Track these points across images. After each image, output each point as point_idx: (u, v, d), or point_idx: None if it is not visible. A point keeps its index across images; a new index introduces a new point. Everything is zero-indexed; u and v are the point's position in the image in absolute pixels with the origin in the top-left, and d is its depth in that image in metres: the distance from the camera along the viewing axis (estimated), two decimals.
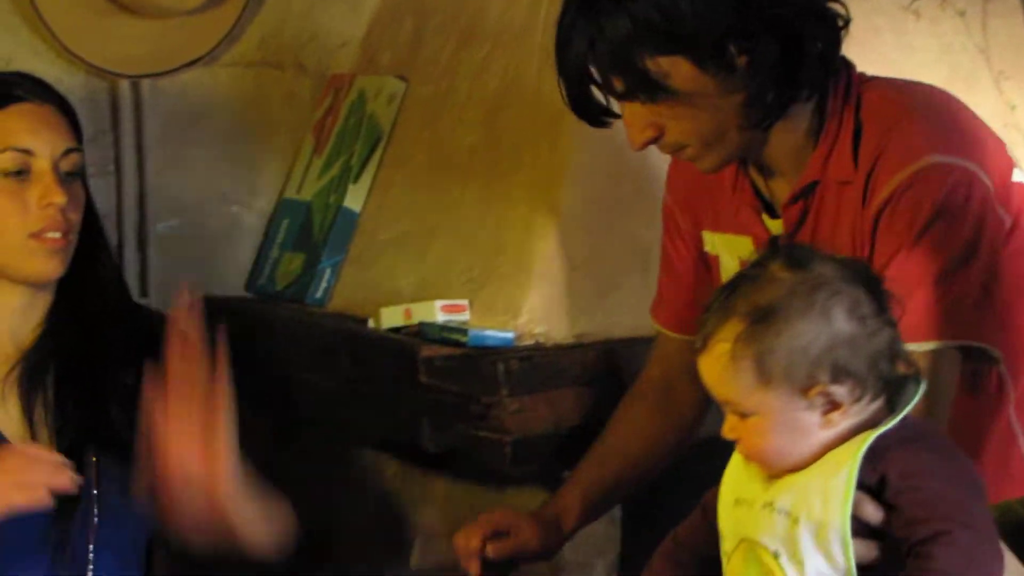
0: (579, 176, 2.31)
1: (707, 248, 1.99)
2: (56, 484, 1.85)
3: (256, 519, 2.00)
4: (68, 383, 2.02)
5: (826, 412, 1.48)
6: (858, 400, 1.49)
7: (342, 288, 2.56)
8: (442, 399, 2.21)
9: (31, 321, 2.05)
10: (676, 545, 1.65)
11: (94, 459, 2.01)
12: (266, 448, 2.56)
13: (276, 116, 2.76)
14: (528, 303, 2.26)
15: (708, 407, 2.08)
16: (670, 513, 2.05)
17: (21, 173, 1.97)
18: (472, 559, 1.96)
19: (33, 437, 2.00)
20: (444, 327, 2.27)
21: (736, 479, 1.57)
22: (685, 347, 2.04)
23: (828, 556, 1.46)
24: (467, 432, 2.18)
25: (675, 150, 1.77)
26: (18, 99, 2.01)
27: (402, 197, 2.54)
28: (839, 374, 1.47)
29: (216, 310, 2.62)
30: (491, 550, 1.96)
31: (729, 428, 1.53)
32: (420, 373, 2.23)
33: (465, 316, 2.31)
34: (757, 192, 1.87)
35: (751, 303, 1.49)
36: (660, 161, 2.32)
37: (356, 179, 2.61)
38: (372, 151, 2.61)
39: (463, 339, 2.23)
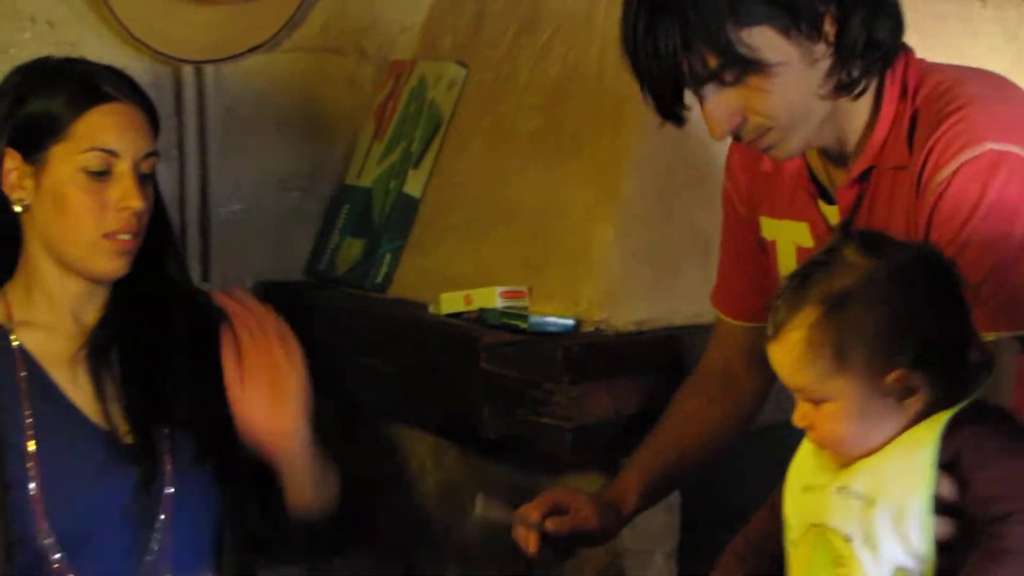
0: (640, 163, 2.30)
1: (764, 234, 1.98)
2: None
3: (311, 481, 2.06)
4: (132, 364, 2.05)
5: (902, 398, 1.48)
6: (933, 386, 1.48)
7: (402, 274, 2.57)
8: (502, 385, 2.21)
9: (94, 305, 2.08)
10: (747, 545, 1.64)
11: (167, 432, 2.04)
12: (327, 433, 2.59)
13: (337, 102, 2.77)
14: (588, 290, 2.26)
15: (767, 395, 2.09)
16: (730, 504, 2.06)
17: (103, 173, 1.99)
18: (532, 533, 1.96)
19: (106, 413, 2.03)
20: (504, 313, 2.27)
21: (804, 466, 1.56)
22: (745, 334, 2.06)
23: (904, 539, 1.45)
24: (527, 418, 2.18)
25: (759, 135, 1.75)
26: (108, 98, 2.01)
27: (462, 183, 2.55)
28: (917, 360, 1.47)
29: (276, 295, 2.68)
30: (550, 525, 1.95)
31: (801, 416, 1.52)
32: (481, 359, 2.23)
33: (525, 302, 2.31)
34: (814, 178, 1.87)
35: (826, 289, 1.48)
36: (721, 149, 2.31)
37: (416, 165, 2.62)
38: (432, 137, 2.61)
39: (523, 325, 2.23)
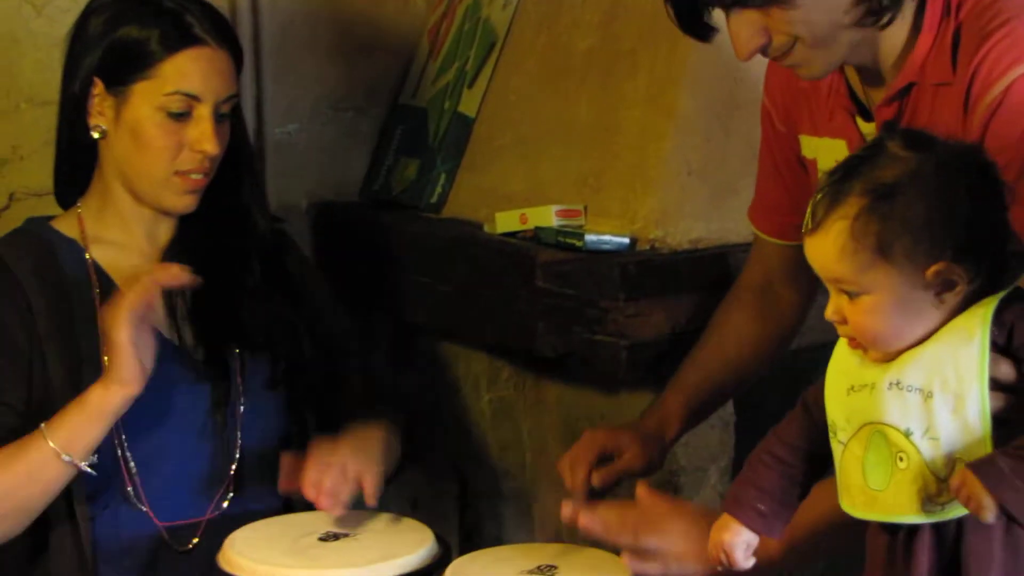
0: (696, 80, 2.28)
1: (804, 152, 1.96)
2: (158, 278, 1.91)
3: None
4: (203, 284, 2.05)
5: (940, 292, 1.47)
6: (972, 280, 1.48)
7: (457, 194, 2.57)
8: (558, 303, 2.21)
9: (167, 225, 2.11)
10: (778, 443, 1.63)
11: (237, 352, 2.07)
12: (383, 352, 2.62)
13: (391, 21, 2.76)
14: (644, 208, 2.25)
15: (807, 311, 2.08)
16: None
17: (183, 115, 1.99)
18: (579, 491, 1.94)
19: (179, 333, 2.06)
20: (560, 232, 2.27)
21: (845, 367, 1.55)
22: (783, 252, 2.05)
23: (964, 426, 1.45)
24: (583, 336, 2.17)
25: (783, 55, 1.74)
26: (198, 41, 2.00)
27: (517, 102, 2.53)
28: (959, 253, 1.46)
29: (331, 216, 2.69)
30: (596, 480, 1.94)
31: (834, 310, 1.52)
32: (537, 277, 2.23)
33: (580, 221, 2.30)
34: (852, 95, 1.85)
35: (872, 180, 1.48)
36: None
37: (471, 84, 2.61)
38: (487, 56, 2.60)
39: (579, 244, 2.22)
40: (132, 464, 2.00)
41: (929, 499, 1.47)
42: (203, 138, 1.99)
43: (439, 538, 1.87)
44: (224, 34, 2.04)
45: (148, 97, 1.98)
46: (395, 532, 1.88)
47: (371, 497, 1.91)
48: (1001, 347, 1.47)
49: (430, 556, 1.82)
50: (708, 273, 2.21)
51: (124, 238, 2.07)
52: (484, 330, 2.39)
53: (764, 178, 2.08)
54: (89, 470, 1.91)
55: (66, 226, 2.08)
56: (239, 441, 2.08)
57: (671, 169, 2.26)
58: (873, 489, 1.51)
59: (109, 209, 2.06)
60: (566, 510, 1.82)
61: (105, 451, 1.96)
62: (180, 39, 1.99)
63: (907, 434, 1.48)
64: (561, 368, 2.39)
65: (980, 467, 1.41)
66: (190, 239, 2.08)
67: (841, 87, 1.85)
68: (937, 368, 1.47)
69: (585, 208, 2.31)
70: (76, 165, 2.06)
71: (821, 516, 1.66)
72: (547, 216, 2.31)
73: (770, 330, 2.09)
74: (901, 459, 1.48)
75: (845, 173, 1.51)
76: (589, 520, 1.80)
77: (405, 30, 2.76)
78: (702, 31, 1.78)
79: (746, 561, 1.61)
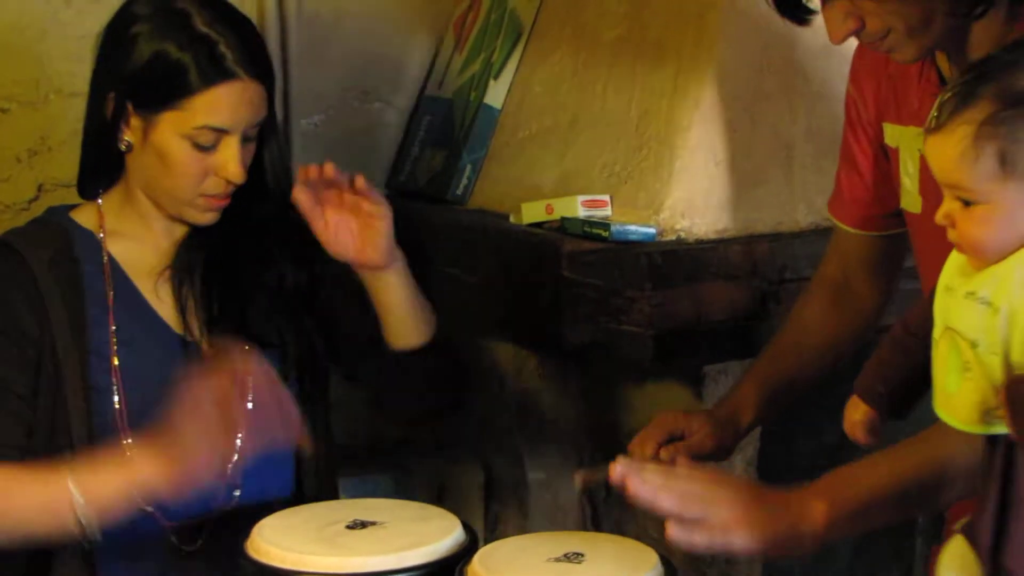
0: (723, 70, 2.27)
1: (887, 140, 1.94)
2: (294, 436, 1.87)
3: (408, 314, 2.08)
4: (214, 281, 2.06)
5: None
6: None
7: (483, 184, 2.56)
8: (584, 293, 2.21)
9: (183, 224, 2.09)
10: (904, 331, 1.61)
11: (246, 348, 2.04)
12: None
13: (418, 13, 2.76)
14: (670, 198, 2.25)
15: (886, 304, 2.06)
16: (810, 413, 2.05)
17: (211, 147, 1.98)
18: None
19: (186, 327, 2.05)
20: (586, 222, 2.26)
21: (952, 264, 1.52)
22: (863, 243, 2.03)
23: None
24: (609, 326, 2.17)
25: (877, 39, 1.72)
26: (229, 75, 1.96)
27: (543, 93, 2.53)
28: None
29: None
30: (665, 455, 1.92)
31: (945, 214, 1.48)
32: (563, 267, 2.23)
33: (607, 211, 2.30)
34: (943, 82, 1.81)
35: (1005, 86, 1.43)
36: (806, 57, 2.29)
37: (497, 75, 2.60)
38: (513, 47, 2.59)
39: (605, 234, 2.22)
40: None
41: (988, 412, 1.44)
42: (229, 167, 1.98)
43: (466, 526, 1.85)
44: (257, 65, 2.00)
45: (176, 126, 1.96)
46: (422, 520, 1.87)
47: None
48: None
49: (457, 544, 1.80)
50: (734, 263, 2.20)
51: (141, 233, 2.06)
52: (510, 321, 2.39)
53: (845, 167, 2.05)
54: (89, 540, 1.84)
55: (85, 217, 2.08)
56: (241, 439, 1.98)
57: (697, 159, 2.25)
58: (948, 392, 1.49)
59: (129, 206, 2.06)
60: (615, 472, 1.81)
61: (110, 443, 1.95)
62: (213, 73, 1.95)
63: (973, 345, 1.45)
64: (587, 358, 2.39)
65: (1010, 388, 1.39)
66: (205, 233, 2.07)
67: (932, 74, 1.83)
68: (1007, 284, 1.43)
69: (611, 198, 2.31)
70: (102, 165, 2.05)
71: (874, 485, 1.65)
72: (573, 206, 2.30)
73: (847, 322, 2.06)
74: (968, 368, 1.46)
75: (979, 75, 1.45)
76: (637, 484, 1.79)
77: (431, 21, 2.76)
78: (799, 14, 1.76)
79: (870, 438, 1.63)
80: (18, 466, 1.89)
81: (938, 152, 1.46)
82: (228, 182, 1.99)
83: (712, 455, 1.98)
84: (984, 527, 1.49)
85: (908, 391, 1.60)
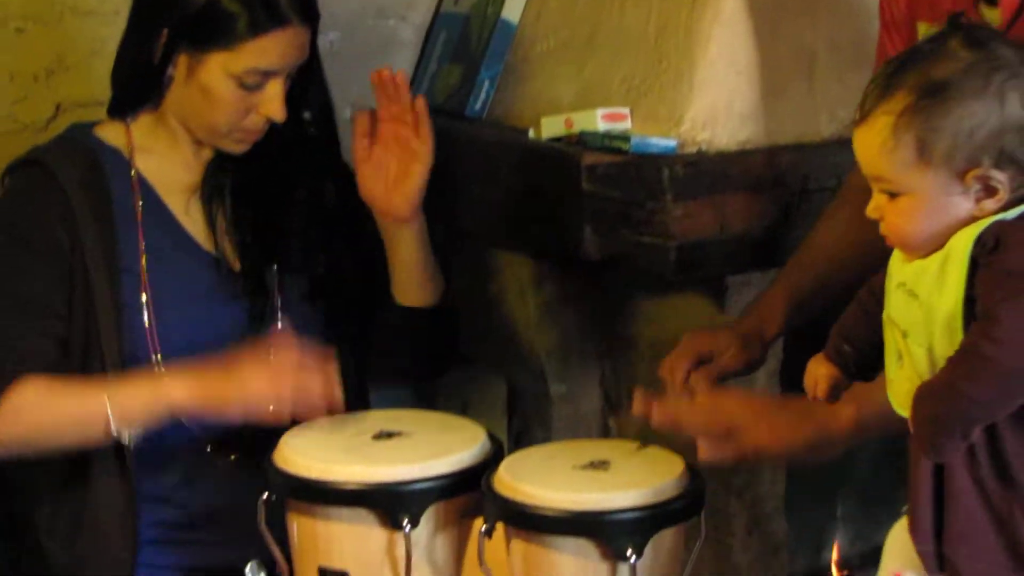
0: None
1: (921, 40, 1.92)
2: (330, 400, 1.89)
3: (419, 274, 2.13)
4: (245, 201, 2.08)
5: (980, 199, 1.44)
6: (1016, 189, 1.44)
7: (501, 100, 2.54)
8: (605, 207, 2.20)
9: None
10: (869, 294, 1.61)
11: (275, 269, 2.08)
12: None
13: None
14: (691, 110, 2.23)
15: None
16: (831, 323, 2.04)
17: (256, 86, 1.99)
18: (680, 390, 1.93)
19: (217, 247, 2.06)
20: (606, 135, 2.25)
21: (896, 252, 1.53)
22: None
23: (951, 336, 1.43)
24: (630, 238, 2.17)
25: None
26: (282, 22, 1.98)
27: (560, 6, 2.50)
28: (1003, 160, 1.42)
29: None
30: (695, 380, 1.92)
31: (874, 207, 1.49)
32: (583, 181, 2.22)
33: (626, 124, 2.28)
34: None
35: (923, 76, 1.44)
36: None
37: None
38: None
39: (625, 147, 2.20)
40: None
41: None
42: (272, 107, 2.00)
43: (491, 436, 1.87)
44: (308, 9, 2.03)
45: (224, 67, 1.97)
46: (448, 430, 1.88)
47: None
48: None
49: (483, 453, 1.82)
50: (756, 174, 2.19)
51: (170, 152, 2.07)
52: (530, 235, 2.39)
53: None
54: (126, 442, 1.92)
55: (111, 134, 2.08)
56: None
57: (718, 70, 2.23)
58: (889, 377, 1.51)
59: (161, 126, 2.07)
60: (638, 404, 1.82)
61: (141, 363, 1.97)
62: (267, 20, 1.97)
63: (904, 335, 1.48)
64: (608, 272, 2.38)
65: (914, 401, 1.43)
66: (235, 157, 2.07)
67: None
68: (926, 275, 1.45)
69: (631, 111, 2.28)
70: (140, 92, 2.06)
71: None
72: (592, 120, 2.29)
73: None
74: (901, 357, 1.48)
75: (900, 65, 1.47)
76: (661, 413, 1.80)
77: None
78: None
79: (831, 397, 1.61)
80: (55, 379, 1.93)
81: (862, 144, 1.48)
82: (268, 119, 2.00)
83: (743, 371, 1.98)
84: (922, 516, 1.51)
85: (873, 354, 1.59)
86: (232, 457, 2.04)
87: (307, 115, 2.10)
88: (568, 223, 2.27)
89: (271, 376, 1.86)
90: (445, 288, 2.19)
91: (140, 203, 2.03)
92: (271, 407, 1.86)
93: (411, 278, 2.13)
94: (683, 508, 1.69)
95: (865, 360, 1.60)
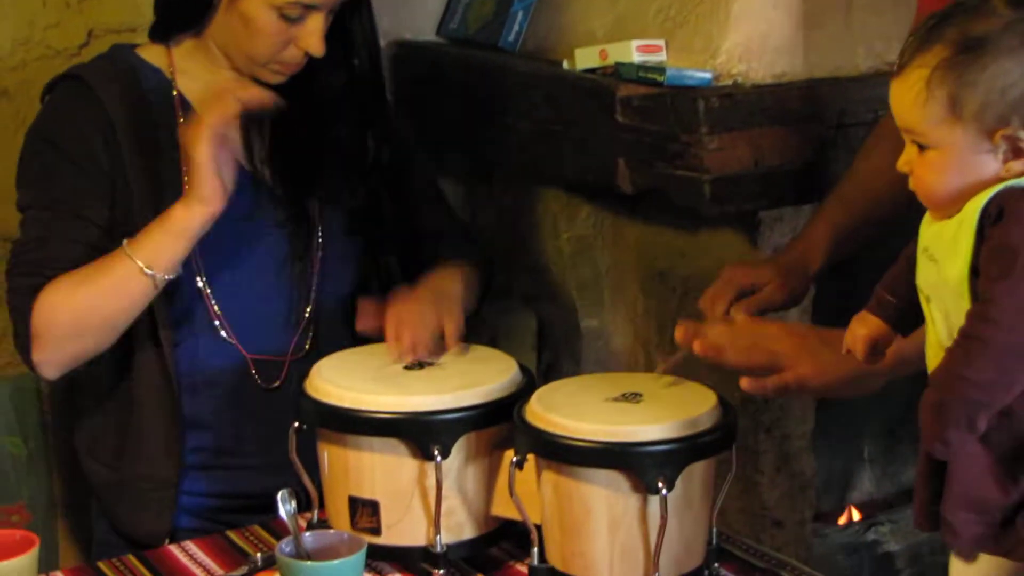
0: None
1: None
2: (240, 96, 1.90)
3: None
4: (284, 129, 2.07)
5: (1007, 160, 1.44)
6: None
7: (534, 31, 2.53)
8: (639, 139, 2.19)
9: None
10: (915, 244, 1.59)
11: (316, 199, 2.09)
12: (461, 191, 2.61)
13: None
14: (727, 42, 2.20)
15: None
16: (866, 261, 2.03)
17: (297, 19, 1.98)
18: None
19: (257, 172, 2.07)
20: (641, 67, 2.23)
21: (926, 215, 1.52)
22: None
23: (961, 308, 1.43)
24: (664, 171, 2.15)
25: None
26: None
27: None
28: None
29: (409, 55, 2.67)
30: (735, 312, 1.91)
31: (905, 160, 1.49)
32: (617, 113, 2.21)
33: (662, 56, 2.26)
34: None
35: (962, 31, 1.43)
36: None
37: None
38: None
39: (660, 79, 2.18)
40: (211, 292, 2.02)
41: None
42: (311, 41, 1.98)
43: (523, 368, 1.87)
44: None
45: None
46: (479, 361, 1.88)
47: (452, 341, 1.92)
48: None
49: (514, 384, 1.82)
50: (793, 108, 2.17)
51: (210, 75, 2.06)
52: (563, 168, 2.37)
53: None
54: (169, 278, 1.93)
55: (153, 56, 2.08)
56: (316, 286, 2.09)
57: (754, 3, 2.21)
58: (927, 340, 1.51)
59: (202, 51, 2.06)
60: (680, 332, 1.81)
61: (186, 280, 1.98)
62: None
63: (928, 300, 1.48)
64: (641, 205, 2.37)
65: (922, 400, 1.42)
66: (275, 85, 2.06)
67: None
68: (943, 240, 1.45)
69: (666, 43, 2.27)
70: (183, 17, 2.05)
71: None
72: (627, 52, 2.27)
73: None
74: (928, 323, 1.49)
75: (941, 19, 1.46)
76: (704, 343, 1.79)
77: None
78: None
79: (870, 358, 1.60)
80: (74, 271, 1.94)
81: (896, 96, 1.47)
82: (307, 53, 2.00)
83: (784, 304, 1.97)
84: (921, 482, 1.51)
85: (916, 308, 1.57)
86: (277, 383, 2.06)
87: (355, 61, 2.08)
88: (602, 156, 2.25)
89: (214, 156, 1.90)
90: (484, 281, 2.18)
91: (181, 121, 2.03)
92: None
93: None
94: (715, 441, 1.68)
95: (908, 312, 1.58)
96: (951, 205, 1.46)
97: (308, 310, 2.09)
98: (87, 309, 1.93)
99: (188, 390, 2.03)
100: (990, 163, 1.43)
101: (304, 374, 1.86)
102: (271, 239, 2.06)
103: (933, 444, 1.44)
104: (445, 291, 2.02)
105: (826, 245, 1.98)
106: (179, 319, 2.02)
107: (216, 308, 2.03)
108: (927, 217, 1.51)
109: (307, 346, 2.09)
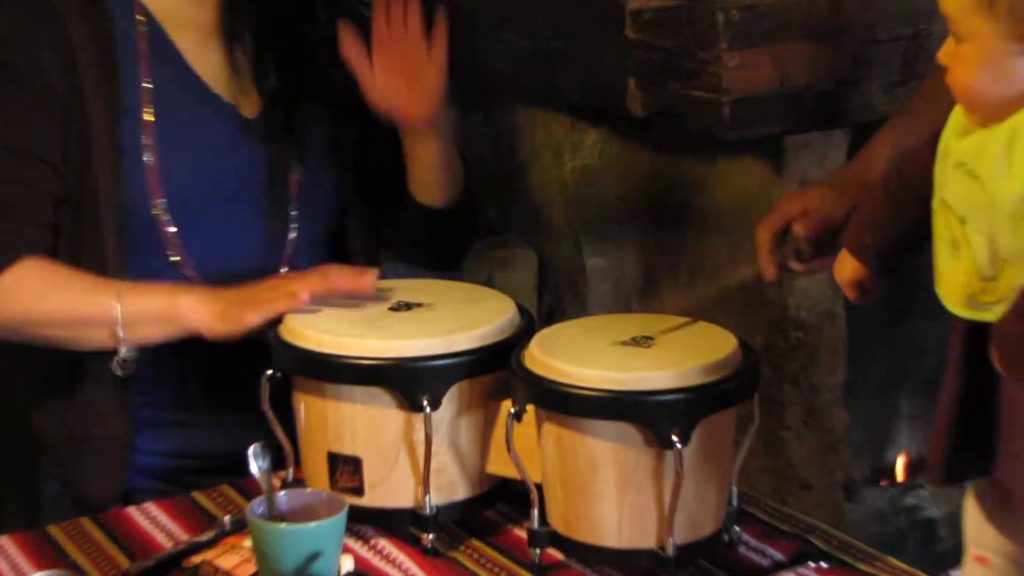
0: None
1: None
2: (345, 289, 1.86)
3: (440, 176, 2.08)
4: (266, 39, 2.05)
5: None
6: None
7: None
8: (651, 56, 2.20)
9: None
10: (899, 179, 1.59)
11: (295, 114, 2.06)
12: (453, 117, 2.59)
13: None
14: None
15: None
16: None
17: None
18: (766, 255, 1.92)
19: (233, 85, 2.04)
20: None
21: (952, 123, 1.51)
22: None
23: (1017, 230, 1.40)
24: (680, 92, 2.17)
25: None
26: None
27: None
28: None
29: None
30: (799, 230, 1.91)
31: (945, 52, 1.48)
32: (627, 27, 2.22)
33: None
34: None
35: None
36: None
37: None
38: None
39: None
40: (171, 228, 2.00)
41: (973, 297, 1.44)
42: None
43: (522, 309, 1.82)
44: None
45: None
46: (473, 302, 1.83)
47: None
48: None
49: (512, 327, 1.77)
50: (820, 21, 2.17)
51: None
52: (566, 89, 2.39)
53: None
54: (119, 362, 1.91)
55: None
56: (295, 214, 2.06)
57: None
58: (939, 270, 1.49)
59: None
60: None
61: (142, 210, 1.97)
62: None
63: (962, 221, 1.45)
64: (653, 130, 2.37)
65: (998, 330, 1.40)
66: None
67: None
68: (995, 156, 1.42)
69: None
70: None
71: None
72: None
73: None
74: (957, 246, 1.46)
75: None
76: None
77: None
78: None
79: (863, 298, 1.63)
80: (60, 267, 1.93)
81: None
82: None
83: (845, 221, 1.94)
84: (942, 429, 1.50)
85: (900, 246, 1.58)
86: None
87: None
88: (610, 76, 2.27)
89: (292, 280, 1.86)
90: (466, 180, 2.15)
91: (145, 39, 2.00)
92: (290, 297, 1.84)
93: (429, 180, 2.12)
94: (736, 389, 1.63)
95: (887, 256, 1.59)
96: (988, 110, 1.45)
97: (287, 245, 2.06)
98: (41, 321, 1.92)
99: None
100: (1021, 66, 1.43)
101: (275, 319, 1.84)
102: (240, 161, 2.04)
103: (1020, 372, 1.41)
104: None
105: (889, 158, 1.95)
106: (132, 252, 1.99)
107: (176, 243, 2.00)
108: (957, 126, 1.50)
109: None
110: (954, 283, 1.47)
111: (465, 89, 2.64)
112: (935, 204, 1.50)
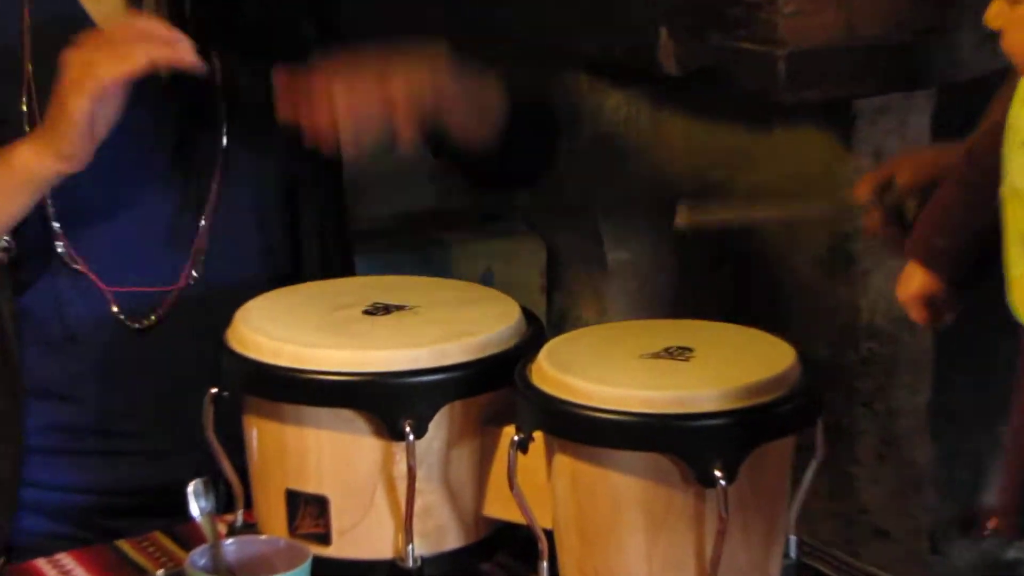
0: None
1: None
2: (164, 56, 1.89)
3: (468, 116, 2.10)
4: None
5: None
6: None
7: None
8: (687, 2, 2.24)
9: None
10: (969, 165, 1.62)
11: (217, 60, 2.06)
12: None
13: None
14: None
15: None
16: None
17: None
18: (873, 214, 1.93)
19: None
20: None
21: (1020, 96, 1.52)
22: None
23: None
24: (723, 45, 2.20)
25: None
26: None
27: None
28: None
29: None
30: (902, 178, 1.90)
31: (995, 13, 1.51)
32: None
33: None
34: None
35: None
36: None
37: None
38: None
39: None
40: (57, 225, 2.02)
41: None
42: None
43: (527, 313, 1.83)
44: None
45: None
46: (467, 304, 1.84)
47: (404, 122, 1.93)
48: None
49: (517, 335, 1.78)
50: None
51: None
52: (584, 41, 2.42)
53: None
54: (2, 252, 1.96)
55: None
56: (216, 185, 2.07)
57: None
58: (1011, 271, 1.51)
59: None
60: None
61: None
62: None
63: None
64: (690, 92, 2.40)
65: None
66: None
67: None
68: None
69: None
70: None
71: None
72: None
73: None
74: None
75: None
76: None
77: None
78: None
79: (934, 319, 1.66)
80: None
81: None
82: None
83: None
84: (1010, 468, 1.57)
85: (978, 248, 1.61)
86: (151, 320, 2.06)
87: None
88: (637, 25, 2.30)
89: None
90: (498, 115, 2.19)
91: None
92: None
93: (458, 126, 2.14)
94: (793, 413, 1.64)
95: (963, 261, 1.62)
96: None
97: (202, 221, 2.07)
98: None
99: (34, 348, 2.03)
100: None
101: (186, 309, 1.89)
102: (145, 113, 2.02)
103: None
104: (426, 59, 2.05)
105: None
106: (20, 255, 2.02)
107: (67, 230, 2.03)
108: (1022, 98, 1.51)
109: (195, 273, 2.06)
110: None
111: (464, 44, 2.67)
112: (1004, 192, 1.51)
